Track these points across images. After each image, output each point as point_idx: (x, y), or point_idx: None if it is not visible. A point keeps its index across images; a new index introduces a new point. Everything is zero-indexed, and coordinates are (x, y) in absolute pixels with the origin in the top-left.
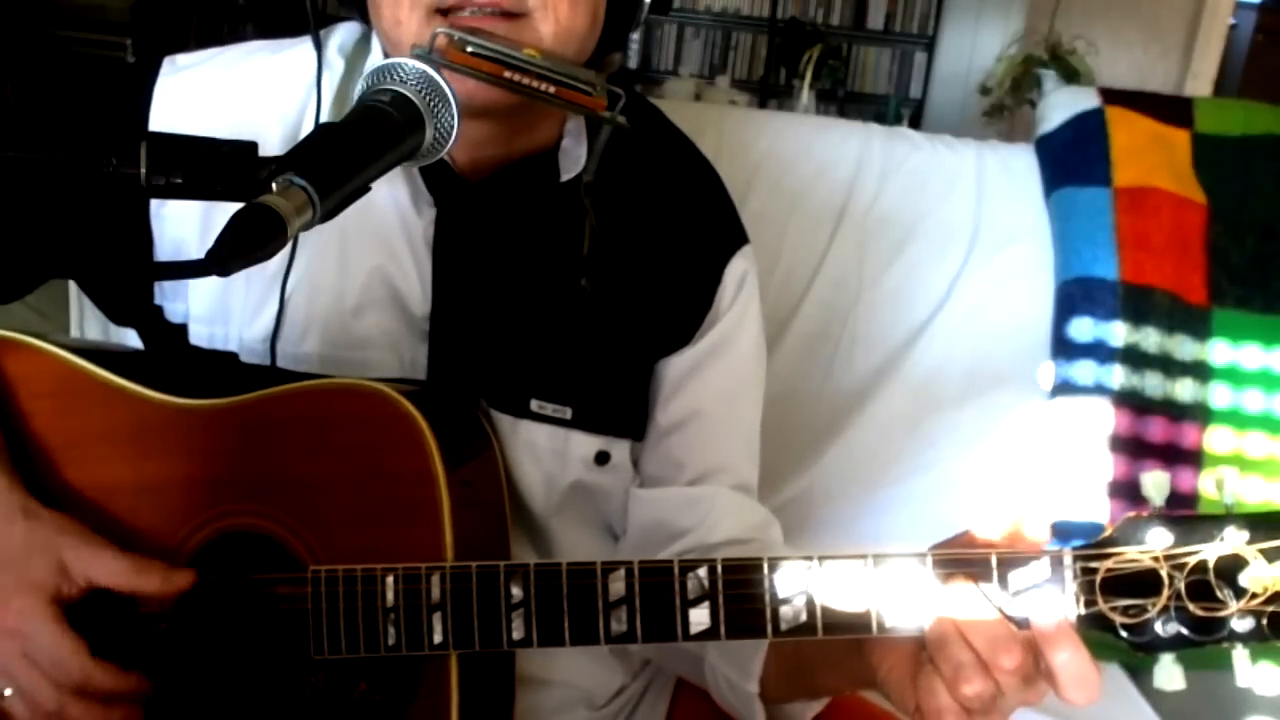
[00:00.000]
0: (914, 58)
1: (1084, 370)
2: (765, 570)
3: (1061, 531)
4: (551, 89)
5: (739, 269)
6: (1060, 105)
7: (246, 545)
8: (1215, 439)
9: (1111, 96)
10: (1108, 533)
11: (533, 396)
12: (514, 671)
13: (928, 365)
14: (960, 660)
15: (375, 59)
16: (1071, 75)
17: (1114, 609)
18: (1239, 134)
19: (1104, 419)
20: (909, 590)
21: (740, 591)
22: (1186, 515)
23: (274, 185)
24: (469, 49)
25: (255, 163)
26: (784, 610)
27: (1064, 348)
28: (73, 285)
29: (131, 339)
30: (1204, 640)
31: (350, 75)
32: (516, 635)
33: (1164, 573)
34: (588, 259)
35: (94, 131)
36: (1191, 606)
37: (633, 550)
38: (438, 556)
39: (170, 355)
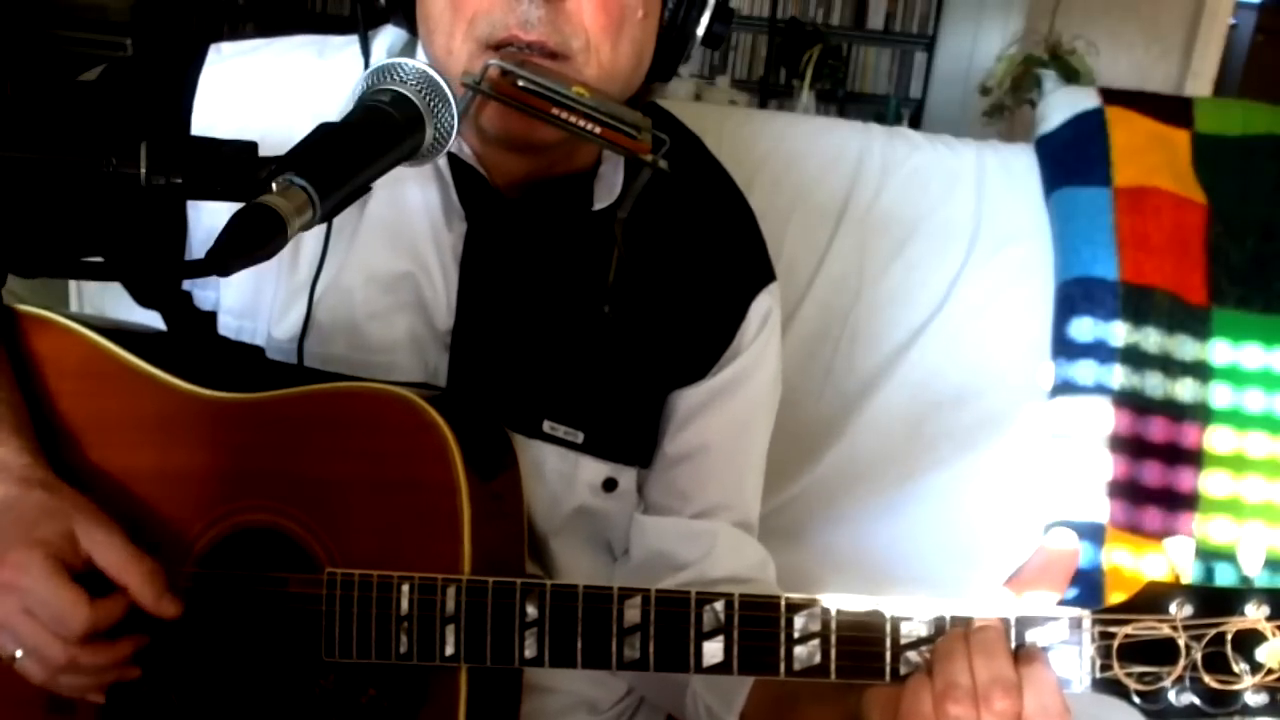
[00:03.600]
0: (914, 58)
1: (1084, 370)
2: (782, 609)
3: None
4: (597, 129)
5: (764, 306)
6: (1060, 105)
7: (263, 541)
8: (1216, 439)
9: (1111, 96)
10: (1128, 598)
11: (546, 417)
12: (522, 682)
13: (928, 365)
14: (956, 680)
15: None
16: (1071, 75)
17: (1129, 675)
18: (1239, 134)
19: (1104, 419)
20: (928, 637)
21: (756, 629)
22: (1208, 587)
23: (274, 185)
24: (520, 83)
25: (255, 163)
26: (799, 650)
27: (1064, 348)
28: (72, 284)
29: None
30: (1217, 712)
31: None
32: (529, 654)
33: (1182, 642)
34: (613, 287)
35: (135, 115)
36: (1207, 678)
37: (630, 575)
38: (455, 568)
39: (198, 344)
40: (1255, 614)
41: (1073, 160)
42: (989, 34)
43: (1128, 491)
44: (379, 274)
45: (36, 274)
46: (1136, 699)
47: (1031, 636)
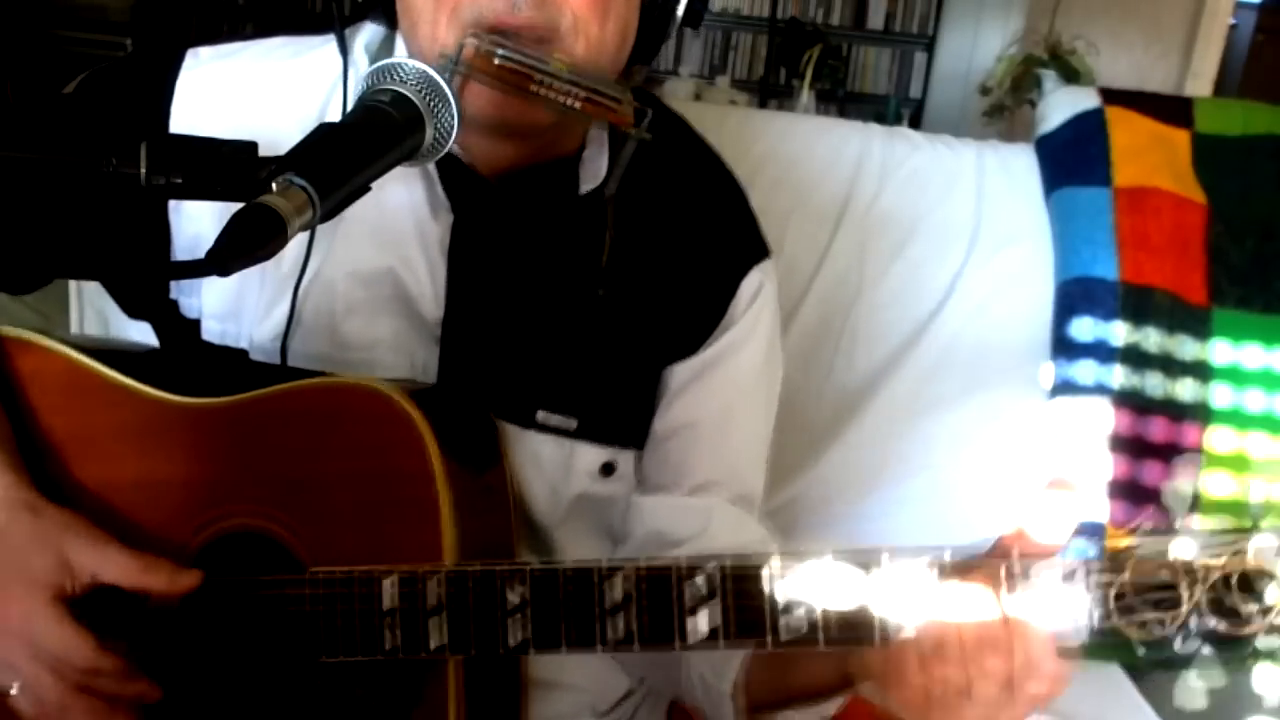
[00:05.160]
0: (914, 58)
1: (1085, 370)
2: (768, 577)
3: None
4: (578, 102)
5: (755, 281)
6: (1060, 105)
7: (250, 545)
8: (1216, 439)
9: (1111, 96)
10: (1126, 543)
11: (539, 407)
12: (520, 674)
13: (928, 365)
14: (943, 641)
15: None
16: (1071, 75)
17: (1131, 624)
18: (1239, 134)
19: (1104, 419)
20: (917, 598)
21: (742, 602)
22: (1209, 528)
23: (274, 185)
24: (497, 59)
25: (255, 163)
26: (786, 620)
27: (1065, 348)
28: (72, 285)
29: (134, 333)
30: (1226, 656)
31: None
32: (514, 640)
33: (1184, 586)
34: (605, 269)
35: (113, 124)
36: (1213, 621)
37: (630, 554)
38: (437, 559)
39: (179, 353)
40: (1260, 553)
41: (1073, 160)
42: (989, 34)
43: (1128, 491)
44: (361, 270)
45: (24, 290)
46: (1140, 649)
47: (1025, 589)
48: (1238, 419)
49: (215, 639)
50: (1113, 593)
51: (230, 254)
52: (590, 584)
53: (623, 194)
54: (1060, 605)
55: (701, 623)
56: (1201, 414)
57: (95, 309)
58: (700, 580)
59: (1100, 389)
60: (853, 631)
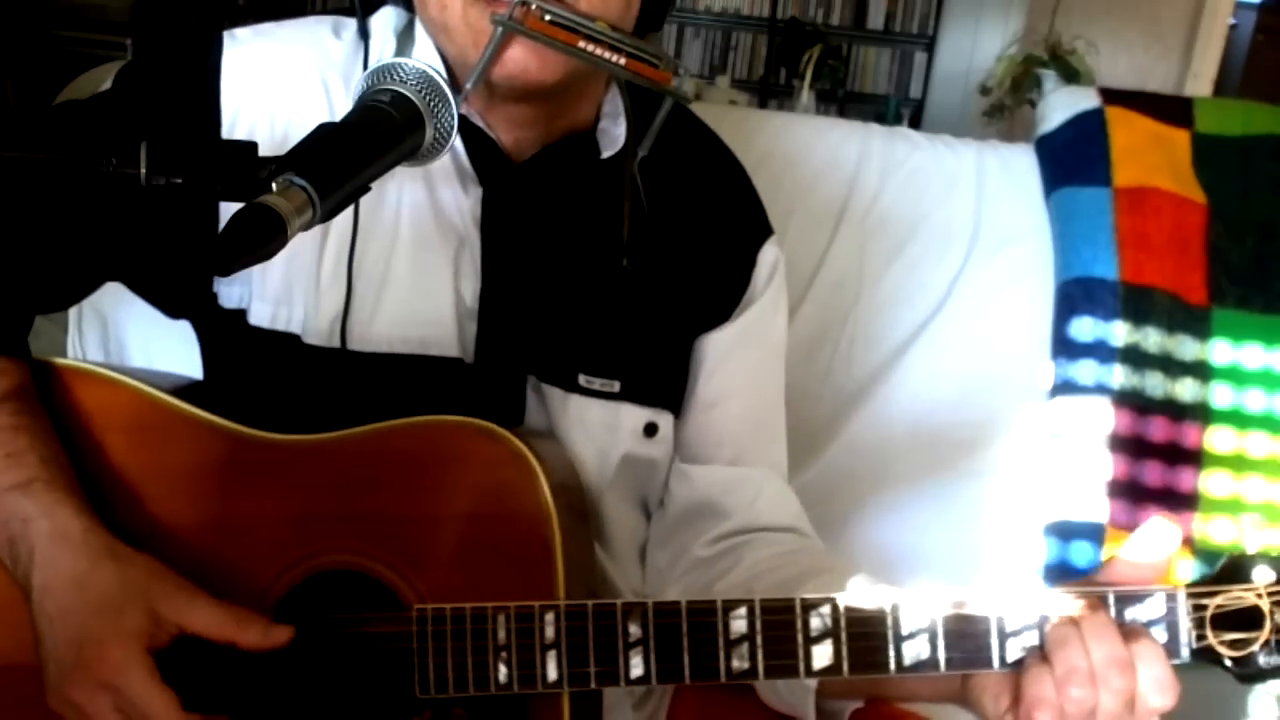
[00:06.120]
0: (914, 58)
1: (1085, 370)
2: (889, 608)
3: (1061, 531)
4: (622, 60)
5: (771, 255)
6: (1060, 105)
7: (342, 583)
8: (1216, 439)
9: (1111, 96)
10: (1216, 571)
11: (581, 371)
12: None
13: (928, 366)
14: (1075, 665)
15: (421, 43)
16: (1071, 75)
17: (1222, 643)
18: (1239, 134)
19: (1104, 419)
20: (1033, 623)
21: (864, 630)
22: None
23: (274, 185)
24: (547, 17)
25: (255, 163)
26: (907, 647)
27: (1065, 347)
28: None
29: (133, 328)
30: None
31: (401, 55)
32: (635, 673)
33: (1266, 607)
34: (628, 240)
35: (165, 117)
36: None
37: (672, 525)
38: (549, 593)
39: (236, 372)
40: None
41: (1073, 160)
42: (989, 34)
43: (1128, 491)
44: (415, 248)
45: (60, 306)
46: (1229, 664)
47: (1131, 614)
48: (1238, 419)
49: (312, 678)
50: (1207, 614)
51: (230, 254)
52: (712, 617)
53: (643, 162)
54: (1162, 627)
55: (823, 654)
56: (1201, 414)
57: (94, 308)
58: (824, 609)
59: (1100, 389)
60: (973, 657)
